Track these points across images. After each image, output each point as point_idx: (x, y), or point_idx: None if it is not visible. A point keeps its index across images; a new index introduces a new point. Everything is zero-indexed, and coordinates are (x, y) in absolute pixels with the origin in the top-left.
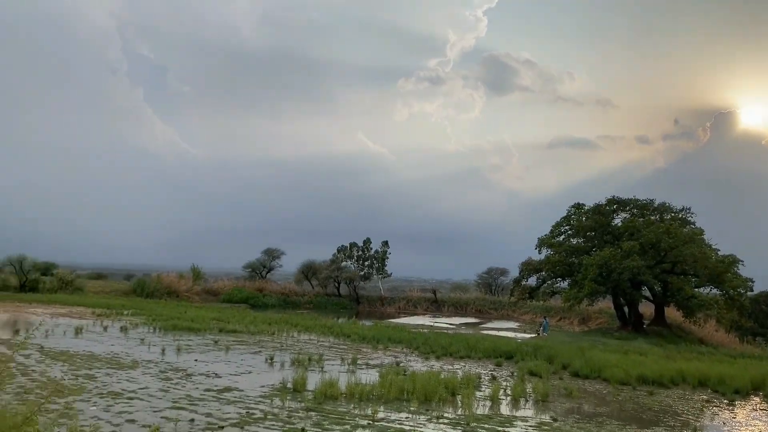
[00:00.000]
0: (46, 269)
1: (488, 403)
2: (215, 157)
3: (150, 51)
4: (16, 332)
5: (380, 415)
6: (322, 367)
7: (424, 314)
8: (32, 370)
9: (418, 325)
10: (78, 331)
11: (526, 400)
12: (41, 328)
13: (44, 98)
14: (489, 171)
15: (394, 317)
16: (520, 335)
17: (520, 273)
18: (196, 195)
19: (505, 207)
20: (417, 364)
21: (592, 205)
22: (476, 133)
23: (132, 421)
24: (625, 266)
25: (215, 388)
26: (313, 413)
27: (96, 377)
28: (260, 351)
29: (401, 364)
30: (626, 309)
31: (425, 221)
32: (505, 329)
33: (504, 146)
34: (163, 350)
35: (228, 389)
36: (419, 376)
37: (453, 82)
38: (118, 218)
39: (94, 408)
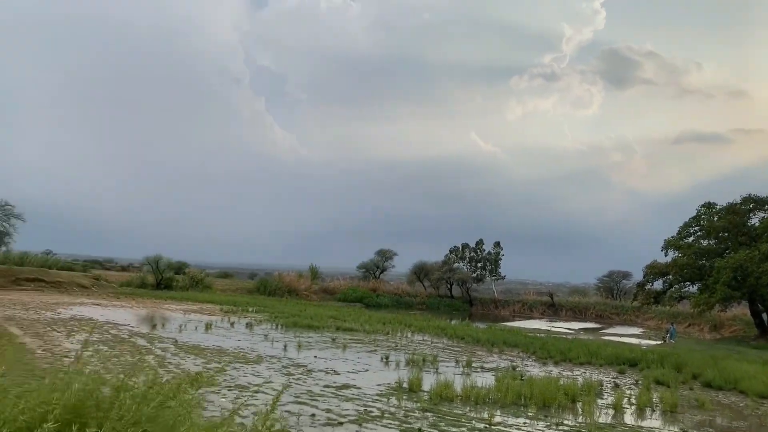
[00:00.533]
0: (179, 268)
1: (611, 412)
2: (332, 160)
3: (270, 61)
4: (154, 326)
5: (497, 419)
6: (437, 369)
7: (540, 318)
8: (168, 362)
9: (534, 329)
10: (208, 326)
11: (653, 411)
12: (175, 324)
13: (175, 109)
14: (609, 169)
15: (508, 320)
16: (644, 342)
17: (644, 276)
18: (314, 198)
19: (626, 207)
20: (534, 369)
21: (725, 204)
22: (595, 129)
23: (257, 413)
24: (763, 270)
25: (334, 385)
26: (429, 414)
27: (225, 370)
28: (375, 350)
29: (518, 369)
30: (765, 316)
31: (540, 222)
32: (627, 335)
33: (625, 143)
34: (285, 346)
35: (346, 386)
36: (537, 381)
37: (569, 77)
38: (242, 220)
39: (224, 400)
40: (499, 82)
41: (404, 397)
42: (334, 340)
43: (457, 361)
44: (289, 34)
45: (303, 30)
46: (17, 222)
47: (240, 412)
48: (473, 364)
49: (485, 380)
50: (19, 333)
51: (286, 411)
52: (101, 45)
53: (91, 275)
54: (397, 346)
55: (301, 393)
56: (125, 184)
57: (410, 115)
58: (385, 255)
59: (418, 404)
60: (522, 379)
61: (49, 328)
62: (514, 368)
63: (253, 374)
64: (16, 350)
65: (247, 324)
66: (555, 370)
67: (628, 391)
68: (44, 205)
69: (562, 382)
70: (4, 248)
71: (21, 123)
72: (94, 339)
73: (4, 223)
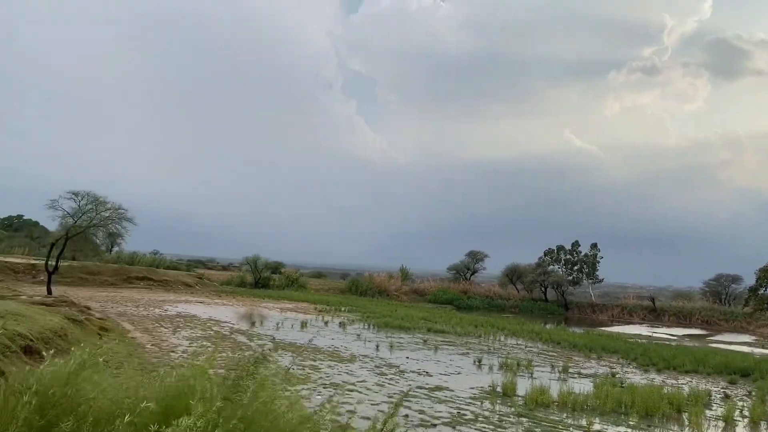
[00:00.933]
0: (276, 268)
1: (721, 424)
2: (422, 161)
3: (361, 65)
4: (253, 324)
5: (595, 427)
6: (532, 373)
7: (640, 323)
8: (266, 357)
9: (634, 334)
10: (303, 325)
11: None
12: (272, 321)
13: (272, 114)
14: (716, 167)
15: (606, 325)
16: (758, 350)
17: (757, 280)
18: (404, 199)
19: (735, 206)
20: (635, 377)
21: None
22: (700, 125)
23: (352, 412)
24: None
25: (426, 386)
26: (524, 419)
27: (320, 368)
28: (468, 353)
29: (617, 375)
30: None
31: (640, 223)
32: (738, 343)
33: (734, 138)
34: (377, 346)
35: (439, 388)
36: (638, 389)
37: (671, 71)
38: (335, 222)
39: (319, 397)
40: (595, 78)
41: (498, 401)
42: (425, 341)
43: (552, 366)
44: (379, 37)
45: (393, 32)
46: (129, 224)
47: (335, 409)
48: (570, 370)
49: (583, 386)
50: (130, 328)
51: (379, 411)
52: (201, 52)
53: (195, 274)
54: (489, 349)
55: (394, 393)
56: (225, 187)
57: (502, 114)
58: (476, 256)
59: (513, 409)
60: (622, 387)
61: (157, 324)
62: (613, 375)
63: (347, 373)
64: (129, 345)
65: (340, 323)
66: (658, 378)
67: (740, 403)
68: (151, 207)
69: (665, 391)
70: (116, 248)
71: (128, 128)
72: (198, 335)
73: (117, 226)
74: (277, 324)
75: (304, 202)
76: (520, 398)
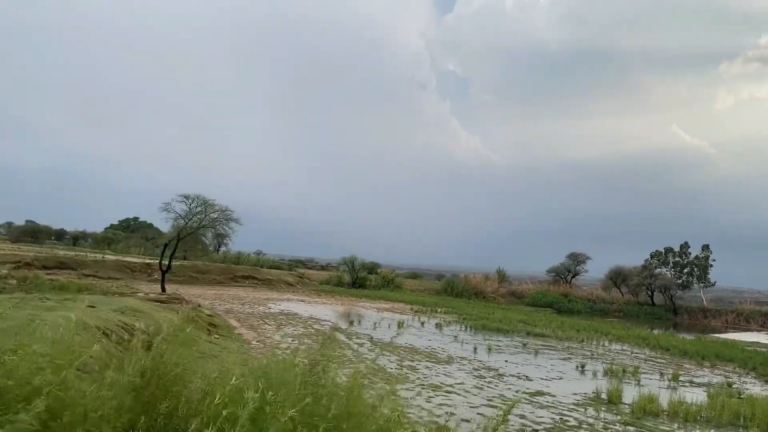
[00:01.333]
0: (372, 268)
1: None
2: (517, 161)
3: (455, 66)
4: (351, 323)
5: None
6: (639, 381)
7: (759, 330)
8: (364, 358)
9: (752, 342)
10: (400, 325)
11: None
12: (369, 321)
13: (367, 117)
14: None
15: (719, 332)
16: None
17: None
18: (499, 200)
19: None
20: (754, 387)
21: None
22: None
23: (451, 413)
24: None
25: (527, 391)
26: (631, 428)
27: (417, 369)
28: (569, 357)
29: (734, 386)
30: None
31: (757, 222)
32: None
33: None
34: (475, 348)
35: (539, 393)
36: (759, 401)
37: None
38: (429, 223)
39: (418, 398)
40: (705, 70)
41: (603, 409)
42: (524, 345)
43: (661, 374)
44: (473, 37)
45: (488, 31)
46: (235, 225)
47: (434, 411)
48: (680, 378)
49: (695, 396)
50: (237, 325)
51: (478, 413)
52: (298, 56)
53: (296, 274)
54: (593, 354)
55: (493, 397)
56: (323, 189)
57: (603, 111)
58: (576, 258)
59: (619, 417)
60: (740, 397)
61: (261, 321)
62: (729, 385)
63: (444, 374)
64: (236, 341)
65: (436, 324)
66: None
67: None
68: (254, 208)
69: None
70: (223, 249)
71: (232, 133)
72: (300, 333)
73: (224, 227)
74: (374, 323)
75: (399, 203)
76: (626, 406)
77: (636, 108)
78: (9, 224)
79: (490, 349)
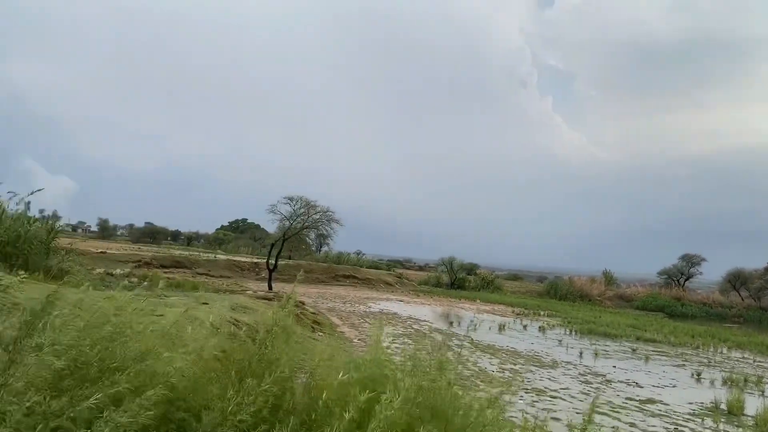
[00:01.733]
0: (470, 269)
1: None
2: (625, 158)
3: (557, 61)
4: (450, 324)
5: None
6: (763, 391)
7: None
8: (466, 360)
9: None
10: (501, 327)
11: None
12: (469, 322)
13: (464, 114)
14: None
15: None
16: None
17: None
18: (604, 199)
19: None
20: None
21: None
22: None
23: (556, 419)
24: None
25: (637, 398)
26: None
27: (519, 372)
28: (684, 365)
29: None
30: None
31: None
32: None
33: None
34: (581, 353)
35: (651, 401)
36: None
37: None
38: (529, 223)
39: (521, 401)
40: None
41: (722, 420)
42: (634, 350)
43: None
44: (576, 30)
45: (593, 23)
46: (336, 226)
47: (537, 416)
48: None
49: None
50: (339, 323)
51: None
52: (398, 56)
53: (395, 274)
54: (709, 362)
55: (601, 403)
56: (419, 189)
57: (720, 102)
58: (690, 260)
59: (741, 429)
60: None
61: (362, 320)
62: None
63: (548, 379)
64: (339, 338)
65: (539, 327)
66: None
67: None
68: (354, 209)
69: None
70: (325, 248)
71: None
72: (399, 332)
73: (326, 227)
74: (474, 325)
75: (497, 203)
76: (749, 418)
77: (758, 98)
78: (130, 226)
79: (596, 354)
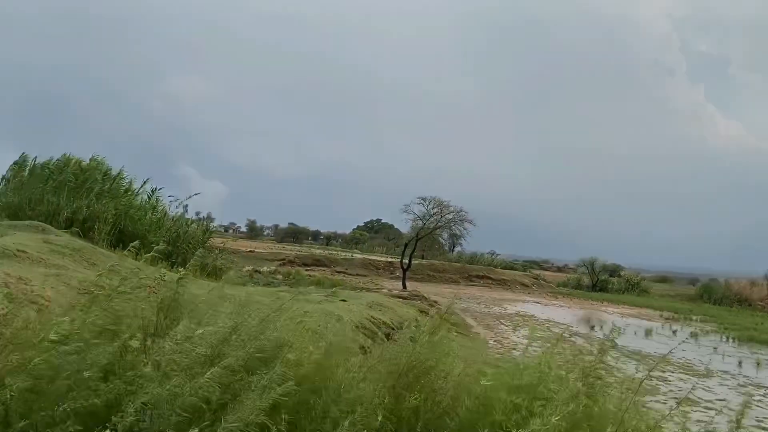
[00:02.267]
0: (614, 270)
1: None
2: None
3: (709, 46)
4: (591, 328)
5: None
6: None
7: None
8: (609, 365)
9: None
10: (648, 332)
11: None
12: (613, 326)
13: (604, 109)
14: None
15: None
16: None
17: None
18: (766, 193)
19: None
20: None
21: None
22: None
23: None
24: None
25: None
26: None
27: (669, 381)
28: None
29: None
30: None
31: None
32: None
33: None
34: (740, 362)
35: None
36: None
37: None
38: (677, 220)
39: (670, 411)
40: None
41: None
42: None
43: None
44: (731, 12)
45: (749, 3)
46: (469, 226)
47: (690, 428)
48: None
49: None
50: (473, 324)
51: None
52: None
53: (531, 275)
54: None
55: (765, 417)
56: (557, 188)
57: None
58: None
59: None
60: None
61: (497, 322)
62: None
63: (702, 389)
64: (474, 339)
65: (691, 333)
66: None
67: None
68: (489, 208)
69: None
70: (458, 248)
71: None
72: (537, 335)
73: (459, 227)
74: (619, 329)
75: (640, 199)
76: None
77: None
78: (275, 226)
79: (759, 364)
